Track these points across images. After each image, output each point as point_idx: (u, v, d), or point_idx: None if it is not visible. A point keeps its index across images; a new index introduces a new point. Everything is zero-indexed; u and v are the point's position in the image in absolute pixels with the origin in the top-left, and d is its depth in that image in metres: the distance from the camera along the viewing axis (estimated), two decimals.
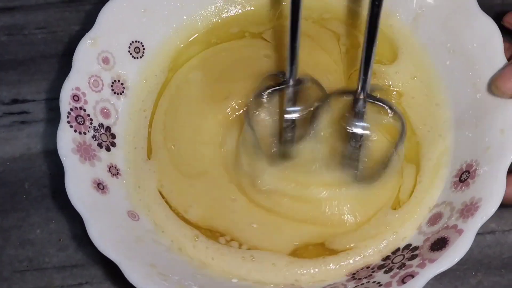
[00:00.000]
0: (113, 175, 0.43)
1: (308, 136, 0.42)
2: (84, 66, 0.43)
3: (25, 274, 0.45)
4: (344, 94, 0.41)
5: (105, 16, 0.44)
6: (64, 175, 0.40)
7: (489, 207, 0.37)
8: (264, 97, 0.42)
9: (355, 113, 0.40)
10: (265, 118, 0.43)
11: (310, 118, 0.42)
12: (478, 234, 0.44)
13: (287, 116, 0.41)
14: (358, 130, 0.40)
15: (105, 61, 0.44)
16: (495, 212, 0.44)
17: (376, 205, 0.42)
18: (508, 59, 0.40)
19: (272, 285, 0.40)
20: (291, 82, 0.41)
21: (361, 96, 0.39)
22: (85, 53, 0.43)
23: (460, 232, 0.37)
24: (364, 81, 0.38)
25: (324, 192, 0.42)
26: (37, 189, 0.47)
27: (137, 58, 0.46)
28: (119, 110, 0.45)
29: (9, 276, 0.45)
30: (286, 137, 0.42)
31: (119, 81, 0.45)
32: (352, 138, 0.41)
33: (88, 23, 0.45)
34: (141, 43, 0.46)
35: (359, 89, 0.39)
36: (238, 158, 0.43)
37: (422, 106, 0.44)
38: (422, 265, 0.37)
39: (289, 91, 0.41)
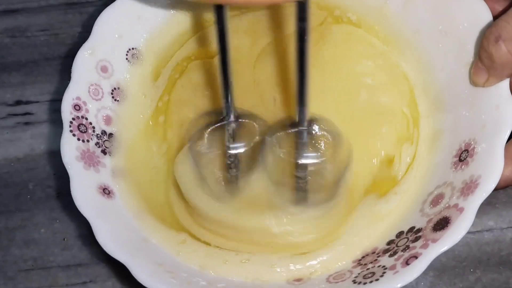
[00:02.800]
0: (118, 180, 0.43)
1: (254, 170, 0.42)
2: (83, 76, 0.44)
3: (30, 273, 0.45)
4: (285, 126, 0.40)
5: (100, 25, 0.45)
6: (70, 182, 0.40)
7: (489, 183, 0.37)
8: (205, 135, 0.41)
9: (298, 144, 0.39)
10: (208, 154, 0.42)
11: (253, 153, 0.41)
12: (476, 232, 0.44)
13: (229, 152, 0.41)
14: (302, 161, 0.40)
15: (104, 69, 0.45)
16: (494, 210, 0.45)
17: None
18: None
19: (277, 278, 0.40)
20: (231, 118, 0.40)
21: (302, 127, 0.38)
22: (83, 63, 0.44)
23: (461, 210, 0.37)
24: (301, 112, 0.37)
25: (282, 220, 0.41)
26: (41, 190, 0.48)
27: (135, 64, 0.47)
28: (121, 117, 0.45)
29: (14, 275, 0.45)
30: (231, 173, 0.42)
31: (119, 88, 0.46)
32: (298, 169, 0.40)
33: (90, 25, 0.45)
34: (138, 50, 0.47)
35: (298, 120, 0.38)
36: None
37: (417, 90, 0.45)
38: (425, 246, 0.37)
39: (229, 127, 0.40)
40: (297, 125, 0.38)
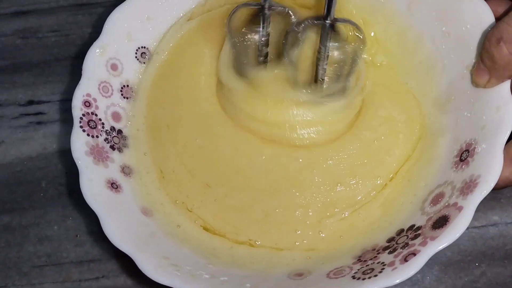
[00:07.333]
0: (126, 174, 0.44)
1: (282, 58, 0.45)
2: (93, 73, 0.45)
3: (44, 269, 0.46)
4: (313, 19, 0.44)
5: (111, 24, 0.46)
6: (79, 176, 0.41)
7: (487, 183, 0.38)
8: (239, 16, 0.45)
9: (324, 35, 0.43)
10: (243, 36, 0.46)
11: (283, 43, 0.45)
12: (481, 226, 0.45)
13: (262, 34, 0.45)
14: (328, 47, 0.44)
15: (113, 67, 0.46)
16: (498, 205, 0.46)
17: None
18: None
19: (279, 272, 0.41)
20: (266, 5, 0.44)
21: (328, 20, 0.43)
22: (94, 61, 0.45)
23: (460, 209, 0.38)
24: (329, 6, 0.42)
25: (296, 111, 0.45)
26: (54, 188, 0.49)
27: (144, 63, 0.48)
28: (130, 114, 0.47)
29: (28, 271, 0.46)
30: (262, 54, 0.45)
31: (128, 86, 0.47)
32: (319, 54, 0.44)
33: (100, 26, 0.46)
34: (147, 48, 0.48)
35: (325, 14, 0.42)
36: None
37: (420, 90, 0.46)
38: (423, 243, 0.37)
39: (264, 14, 0.44)
40: (322, 18, 0.43)
